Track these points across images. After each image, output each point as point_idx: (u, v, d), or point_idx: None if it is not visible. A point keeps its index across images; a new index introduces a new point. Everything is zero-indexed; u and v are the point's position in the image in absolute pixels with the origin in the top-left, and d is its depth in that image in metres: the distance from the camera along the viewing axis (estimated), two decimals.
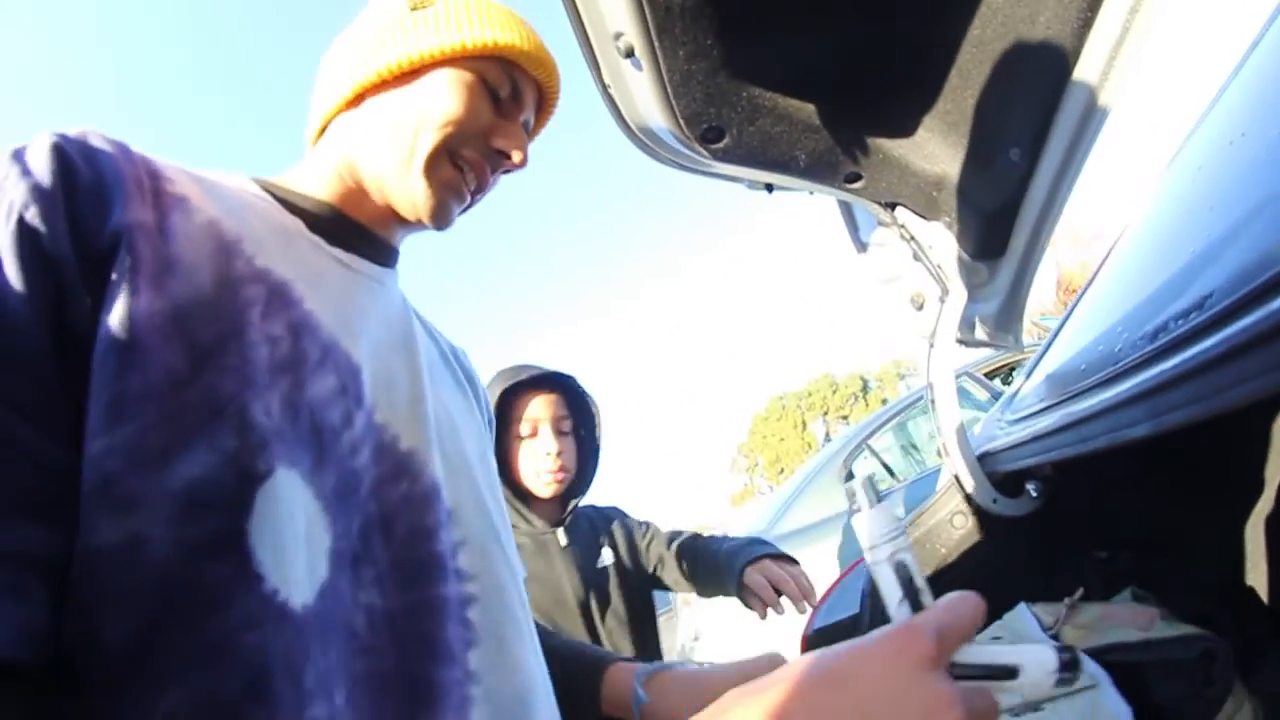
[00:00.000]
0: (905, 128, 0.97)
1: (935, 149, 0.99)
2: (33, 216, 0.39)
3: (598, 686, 0.73)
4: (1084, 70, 0.87)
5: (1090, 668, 0.73)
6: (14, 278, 0.37)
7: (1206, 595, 1.00)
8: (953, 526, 1.26)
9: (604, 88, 0.90)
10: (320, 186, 0.61)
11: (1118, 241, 1.46)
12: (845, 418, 49.54)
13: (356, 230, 0.62)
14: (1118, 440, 0.68)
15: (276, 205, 0.56)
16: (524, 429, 1.30)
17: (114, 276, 0.40)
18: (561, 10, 0.77)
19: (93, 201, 0.42)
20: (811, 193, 1.16)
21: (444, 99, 0.59)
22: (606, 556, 1.38)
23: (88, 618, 0.34)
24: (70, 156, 0.42)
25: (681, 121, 0.89)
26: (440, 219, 0.62)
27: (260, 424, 0.42)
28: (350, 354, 0.52)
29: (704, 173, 1.10)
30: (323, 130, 0.64)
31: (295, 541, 0.41)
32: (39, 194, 0.40)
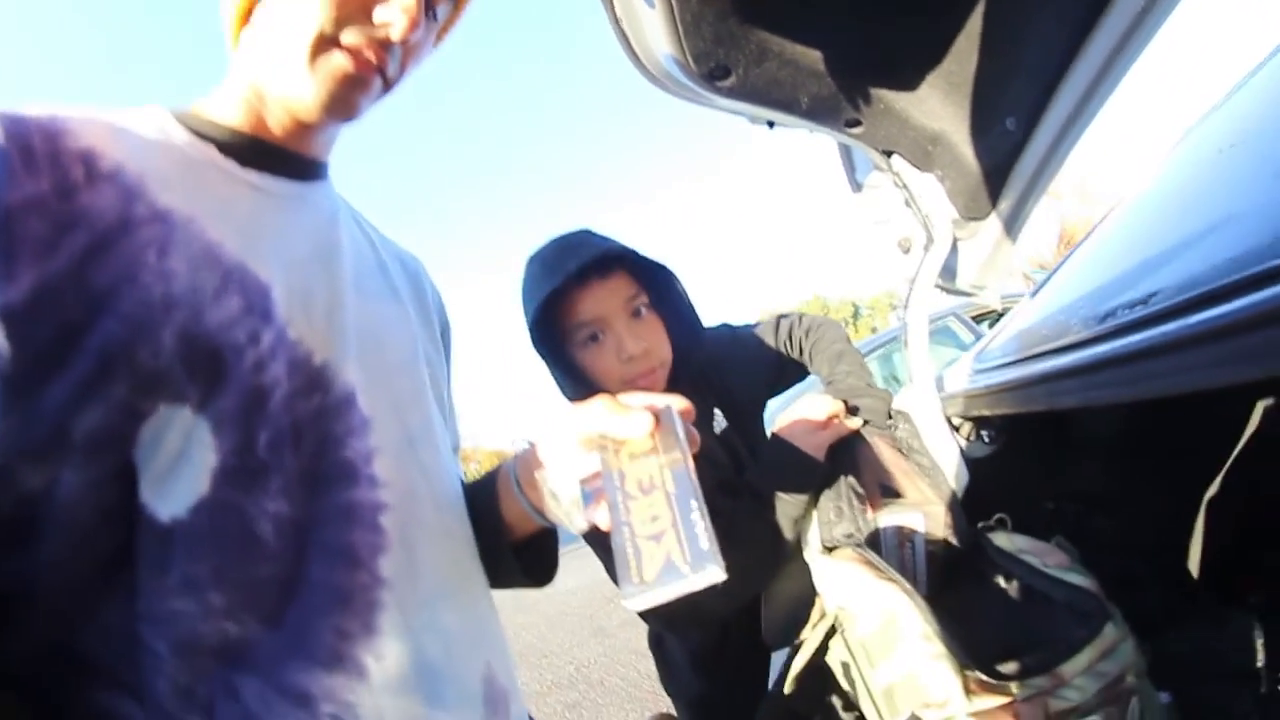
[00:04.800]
0: (908, 81, 0.99)
1: (935, 106, 1.01)
2: None
3: (499, 497, 0.69)
4: (1092, 51, 0.88)
5: None
6: None
7: (1137, 555, 1.09)
8: None
9: (615, 21, 0.91)
10: (232, 111, 0.60)
11: (1114, 209, 1.49)
12: None
13: (270, 151, 0.61)
14: (1054, 407, 0.75)
15: (189, 136, 0.56)
16: (584, 334, 0.99)
17: None
18: None
19: None
20: (811, 132, 1.18)
21: None
22: (719, 418, 1.18)
23: (26, 554, 0.43)
24: None
25: (690, 59, 0.91)
26: (337, 111, 0.59)
27: (148, 367, 0.46)
28: (258, 274, 0.54)
29: (710, 105, 1.12)
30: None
31: (170, 465, 0.47)
32: None
